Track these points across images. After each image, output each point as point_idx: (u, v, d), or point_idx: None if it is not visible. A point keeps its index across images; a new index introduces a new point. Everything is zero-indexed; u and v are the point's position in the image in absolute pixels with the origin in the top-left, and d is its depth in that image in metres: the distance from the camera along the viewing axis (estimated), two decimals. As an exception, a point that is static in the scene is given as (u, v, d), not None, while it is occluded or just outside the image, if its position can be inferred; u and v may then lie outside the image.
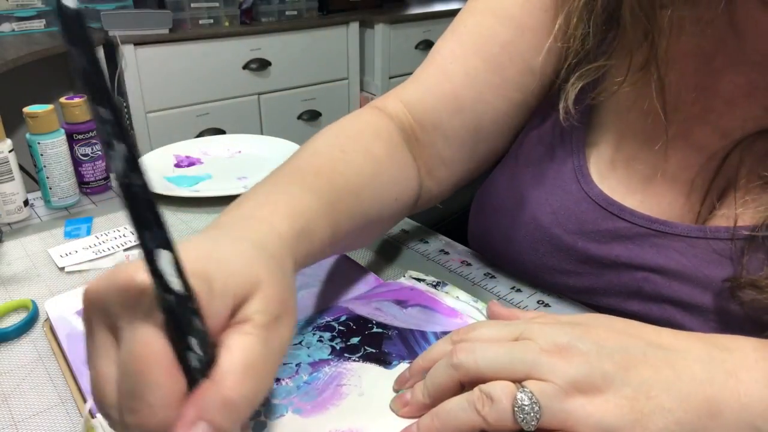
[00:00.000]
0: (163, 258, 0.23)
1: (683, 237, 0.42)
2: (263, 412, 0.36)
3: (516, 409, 0.30)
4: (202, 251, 0.27)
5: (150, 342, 0.24)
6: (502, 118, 0.51)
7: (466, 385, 0.33)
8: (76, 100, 0.68)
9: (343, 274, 0.52)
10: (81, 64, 0.20)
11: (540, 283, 0.50)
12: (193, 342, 0.24)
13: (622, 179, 0.46)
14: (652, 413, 0.30)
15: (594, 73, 0.45)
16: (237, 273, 0.27)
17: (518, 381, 0.31)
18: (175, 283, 0.24)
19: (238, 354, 0.25)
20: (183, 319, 0.24)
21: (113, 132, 0.21)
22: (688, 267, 0.42)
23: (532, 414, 0.30)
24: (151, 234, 0.23)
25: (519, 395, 0.30)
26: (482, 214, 0.54)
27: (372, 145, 0.46)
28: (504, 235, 0.51)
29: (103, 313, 0.25)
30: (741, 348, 0.33)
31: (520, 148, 0.52)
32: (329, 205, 0.39)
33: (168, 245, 0.23)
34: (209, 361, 0.25)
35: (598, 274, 0.46)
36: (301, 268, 0.36)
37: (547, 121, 0.50)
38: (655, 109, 0.43)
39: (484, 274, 0.53)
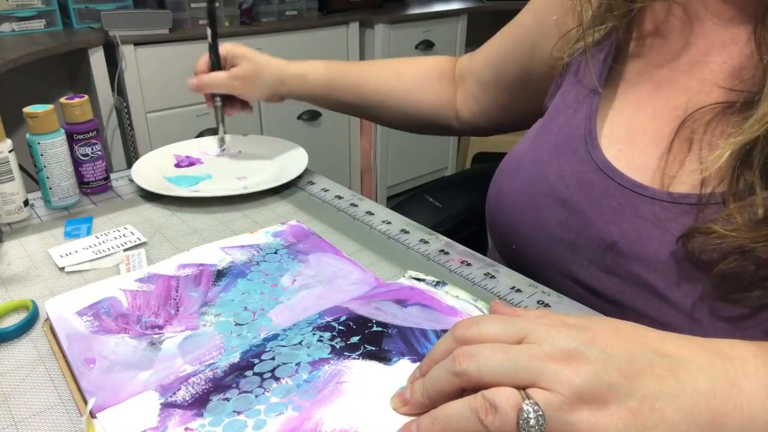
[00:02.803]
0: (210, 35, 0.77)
1: (660, 201, 0.46)
2: (263, 410, 0.36)
3: (521, 421, 0.30)
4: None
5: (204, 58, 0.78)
6: (514, 78, 0.68)
7: (467, 388, 0.33)
8: (76, 100, 0.68)
9: (343, 275, 0.52)
10: None
11: (533, 233, 0.53)
12: (212, 55, 0.77)
13: (606, 133, 0.51)
14: (655, 426, 0.30)
15: (602, 31, 0.53)
16: (241, 49, 0.79)
17: (522, 388, 0.31)
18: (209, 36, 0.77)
19: (220, 75, 0.78)
20: (212, 48, 0.78)
21: None
22: (660, 228, 0.45)
23: (537, 427, 0.29)
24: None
25: (525, 407, 0.30)
26: (503, 173, 0.59)
27: (408, 66, 0.80)
28: (513, 189, 0.55)
29: None
30: (741, 355, 0.33)
31: (544, 118, 0.57)
32: (331, 68, 0.82)
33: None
34: (217, 65, 0.78)
35: (582, 227, 0.49)
36: (297, 94, 0.82)
37: (568, 94, 0.55)
38: (635, 68, 0.51)
39: (484, 274, 0.53)
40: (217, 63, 0.78)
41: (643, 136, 0.49)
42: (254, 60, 0.78)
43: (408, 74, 0.79)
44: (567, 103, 0.55)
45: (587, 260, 0.49)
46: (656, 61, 0.50)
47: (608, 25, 0.52)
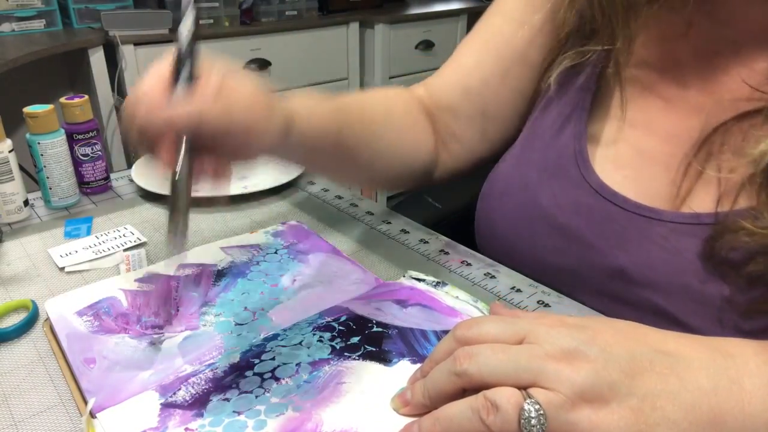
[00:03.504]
0: (188, 15, 0.38)
1: (668, 222, 0.44)
2: (263, 411, 0.36)
3: (523, 420, 0.30)
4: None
5: (161, 66, 0.37)
6: (507, 103, 0.58)
7: (468, 389, 0.33)
8: (76, 100, 0.68)
9: (343, 275, 0.52)
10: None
11: (531, 262, 0.52)
12: (183, 73, 0.37)
13: (609, 157, 0.49)
14: (656, 424, 0.30)
15: (580, 57, 0.50)
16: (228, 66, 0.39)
17: (523, 387, 0.31)
18: (184, 34, 0.37)
19: (199, 88, 0.36)
20: (181, 58, 0.37)
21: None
22: (670, 251, 0.43)
23: (538, 426, 0.29)
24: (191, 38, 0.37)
25: (526, 406, 0.30)
26: (489, 197, 0.56)
27: (392, 101, 0.59)
28: (504, 213, 0.53)
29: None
30: (742, 353, 0.33)
31: (526, 135, 0.55)
32: (339, 109, 0.49)
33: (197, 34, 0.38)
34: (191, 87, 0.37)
35: (585, 255, 0.47)
36: (302, 141, 0.44)
37: (552, 110, 0.52)
38: (634, 90, 0.48)
39: (484, 274, 0.53)
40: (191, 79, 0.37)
41: (655, 160, 0.46)
42: (255, 81, 0.39)
43: (399, 106, 0.58)
44: (552, 118, 0.52)
45: (595, 289, 0.48)
46: (664, 79, 0.47)
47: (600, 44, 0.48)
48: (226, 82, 0.37)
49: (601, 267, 0.47)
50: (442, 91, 0.60)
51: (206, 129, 0.35)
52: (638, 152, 0.47)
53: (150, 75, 0.37)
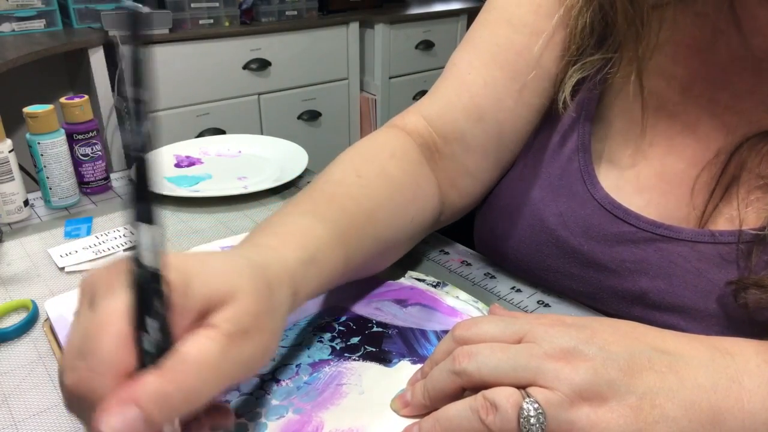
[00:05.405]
0: (143, 230, 0.24)
1: (688, 242, 0.42)
2: (263, 413, 0.36)
3: (522, 420, 0.30)
4: (197, 255, 0.28)
5: (111, 311, 0.25)
6: (523, 124, 0.51)
7: (467, 388, 0.33)
8: (76, 100, 0.68)
9: (344, 274, 0.52)
10: (131, 55, 0.22)
11: (543, 284, 0.50)
12: (150, 324, 0.25)
13: (629, 178, 0.46)
14: (656, 422, 0.30)
15: (590, 67, 0.46)
16: (218, 278, 0.28)
17: (522, 387, 0.31)
18: (147, 258, 0.24)
19: (191, 353, 0.26)
20: (145, 296, 0.25)
21: (144, 113, 0.23)
22: (693, 272, 0.42)
23: (537, 425, 0.29)
24: (139, 206, 0.24)
25: (525, 405, 0.30)
26: (489, 213, 0.54)
27: (388, 166, 0.48)
28: (509, 235, 0.51)
29: (89, 289, 0.27)
30: (743, 352, 0.33)
31: (527, 149, 0.52)
32: (341, 233, 0.40)
33: (150, 221, 0.24)
34: (164, 349, 0.25)
35: (602, 279, 0.46)
36: (313, 295, 0.38)
37: (554, 121, 0.50)
38: (655, 104, 0.44)
39: (484, 274, 0.53)
40: (166, 340, 0.26)
41: (681, 184, 0.44)
42: (245, 279, 0.30)
43: (398, 174, 0.48)
44: (553, 127, 0.49)
45: (613, 315, 0.46)
46: (689, 94, 0.44)
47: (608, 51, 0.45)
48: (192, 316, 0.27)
49: (619, 291, 0.45)
50: (446, 119, 0.51)
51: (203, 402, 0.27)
52: (661, 174, 0.45)
53: (99, 325, 0.25)
